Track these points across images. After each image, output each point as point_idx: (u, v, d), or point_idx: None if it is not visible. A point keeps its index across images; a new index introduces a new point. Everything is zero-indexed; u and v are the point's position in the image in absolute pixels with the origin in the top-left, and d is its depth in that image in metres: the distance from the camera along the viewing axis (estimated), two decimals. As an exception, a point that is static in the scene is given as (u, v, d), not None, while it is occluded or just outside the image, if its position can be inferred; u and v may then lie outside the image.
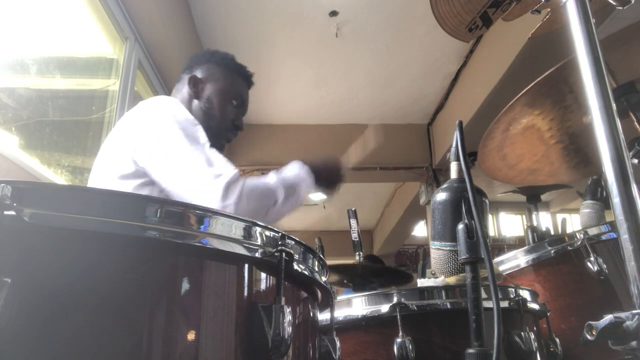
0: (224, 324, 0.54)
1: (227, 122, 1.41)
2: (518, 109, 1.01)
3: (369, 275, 1.98)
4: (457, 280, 0.89)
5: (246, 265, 0.58)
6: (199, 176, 1.10)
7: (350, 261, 1.96)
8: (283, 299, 0.56)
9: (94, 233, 0.48)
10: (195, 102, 1.39)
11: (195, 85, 1.40)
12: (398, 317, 0.89)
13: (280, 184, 1.22)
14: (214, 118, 1.38)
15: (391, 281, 2.12)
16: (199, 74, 1.42)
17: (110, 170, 1.19)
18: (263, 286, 0.59)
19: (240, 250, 0.56)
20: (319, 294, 0.76)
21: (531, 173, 1.19)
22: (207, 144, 1.17)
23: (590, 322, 0.54)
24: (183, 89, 1.42)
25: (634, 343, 0.52)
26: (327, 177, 1.37)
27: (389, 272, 2.16)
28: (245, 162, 5.01)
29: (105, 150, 1.26)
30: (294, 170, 1.29)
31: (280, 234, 0.60)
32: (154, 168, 1.14)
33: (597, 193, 1.59)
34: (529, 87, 0.95)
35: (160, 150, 1.14)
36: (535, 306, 1.01)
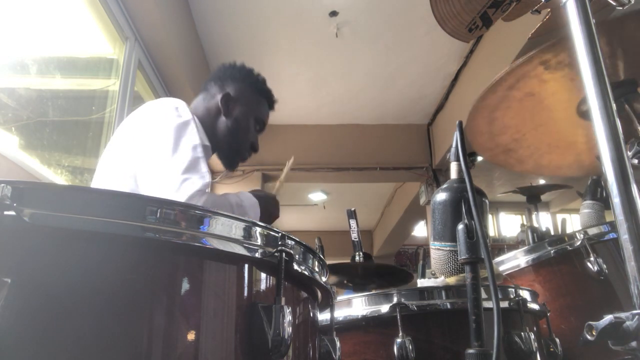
0: (224, 324, 0.54)
1: (247, 143, 1.45)
2: (531, 66, 0.91)
3: (369, 276, 1.99)
4: (457, 280, 0.89)
5: (246, 266, 0.58)
6: (167, 183, 1.09)
7: (347, 260, 1.96)
8: (283, 299, 0.56)
9: (94, 233, 0.48)
10: (223, 118, 1.41)
11: (227, 103, 1.41)
12: (398, 317, 0.89)
13: (237, 206, 1.25)
14: (236, 138, 1.42)
15: (391, 281, 2.12)
16: (232, 91, 1.43)
17: (114, 182, 1.19)
18: (263, 286, 0.59)
19: (240, 250, 0.56)
20: (319, 294, 0.76)
21: (504, 152, 1.14)
22: (196, 147, 1.16)
23: (590, 322, 0.54)
24: (212, 100, 1.42)
25: (634, 343, 0.52)
26: (264, 214, 1.38)
27: (388, 272, 2.16)
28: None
29: (108, 156, 1.26)
30: (250, 199, 1.32)
31: (280, 234, 0.60)
32: (139, 174, 1.15)
33: (597, 193, 1.59)
34: (551, 42, 0.85)
35: (146, 157, 1.15)
36: (535, 306, 1.01)
